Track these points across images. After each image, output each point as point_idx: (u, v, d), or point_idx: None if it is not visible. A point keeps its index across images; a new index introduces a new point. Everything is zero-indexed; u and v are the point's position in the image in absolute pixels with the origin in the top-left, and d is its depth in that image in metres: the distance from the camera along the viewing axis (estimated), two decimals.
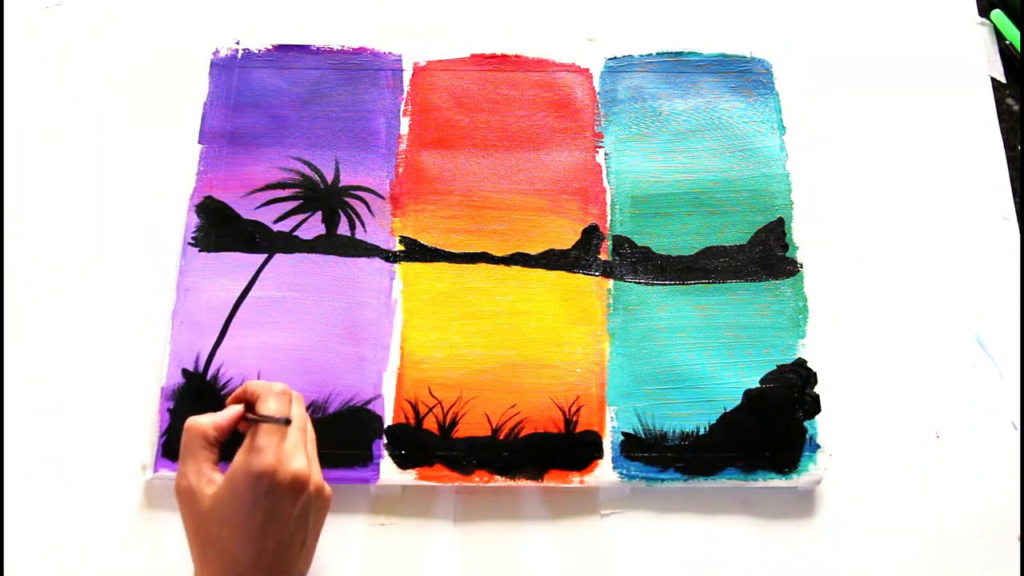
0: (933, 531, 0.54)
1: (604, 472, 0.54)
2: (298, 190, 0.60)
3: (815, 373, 0.56)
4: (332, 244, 0.59)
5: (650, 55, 0.64)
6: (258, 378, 0.55)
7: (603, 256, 0.59)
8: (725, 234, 0.59)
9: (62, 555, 0.52)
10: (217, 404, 0.54)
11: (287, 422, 0.45)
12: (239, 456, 0.45)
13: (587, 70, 0.64)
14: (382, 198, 0.60)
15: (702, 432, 0.54)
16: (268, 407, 0.46)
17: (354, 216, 0.59)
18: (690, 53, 0.64)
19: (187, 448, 0.46)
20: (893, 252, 0.61)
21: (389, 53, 0.64)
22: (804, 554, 0.53)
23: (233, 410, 0.47)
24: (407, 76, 0.63)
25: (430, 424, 0.54)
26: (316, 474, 0.47)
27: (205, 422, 0.46)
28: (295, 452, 0.45)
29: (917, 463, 0.55)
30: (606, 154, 0.61)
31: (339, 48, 0.64)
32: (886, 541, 0.54)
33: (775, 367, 0.56)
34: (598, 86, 0.63)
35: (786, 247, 0.59)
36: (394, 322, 0.57)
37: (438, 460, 0.54)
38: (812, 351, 0.56)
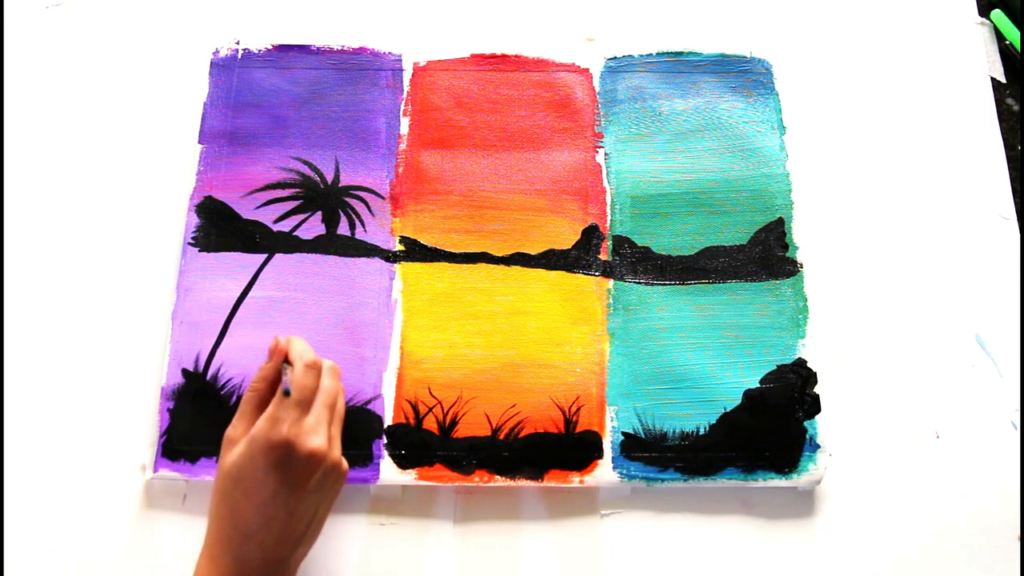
0: (933, 531, 0.54)
1: (604, 472, 0.54)
2: (298, 190, 0.60)
3: (815, 373, 0.56)
4: (332, 244, 0.59)
5: (650, 55, 0.64)
6: None
7: (603, 256, 0.59)
8: (725, 234, 0.59)
9: (62, 555, 0.52)
10: (217, 404, 0.54)
11: (286, 393, 0.45)
12: (260, 421, 0.45)
13: (587, 70, 0.64)
14: (382, 198, 0.60)
15: (702, 432, 0.54)
16: (294, 373, 0.46)
17: (354, 216, 0.59)
18: (690, 53, 0.64)
19: (243, 406, 0.47)
20: (893, 252, 0.61)
21: (389, 53, 0.64)
22: (804, 554, 0.53)
23: (276, 360, 0.48)
24: (407, 76, 0.63)
25: (430, 424, 0.54)
26: (335, 451, 0.46)
27: (257, 377, 0.47)
28: (317, 428, 0.45)
29: (917, 463, 0.55)
30: (606, 154, 0.61)
31: (339, 48, 0.64)
32: (886, 541, 0.54)
33: (775, 367, 0.56)
34: (598, 86, 0.63)
35: (786, 247, 0.59)
36: (394, 322, 0.57)
37: (438, 460, 0.53)
38: (812, 351, 0.56)
